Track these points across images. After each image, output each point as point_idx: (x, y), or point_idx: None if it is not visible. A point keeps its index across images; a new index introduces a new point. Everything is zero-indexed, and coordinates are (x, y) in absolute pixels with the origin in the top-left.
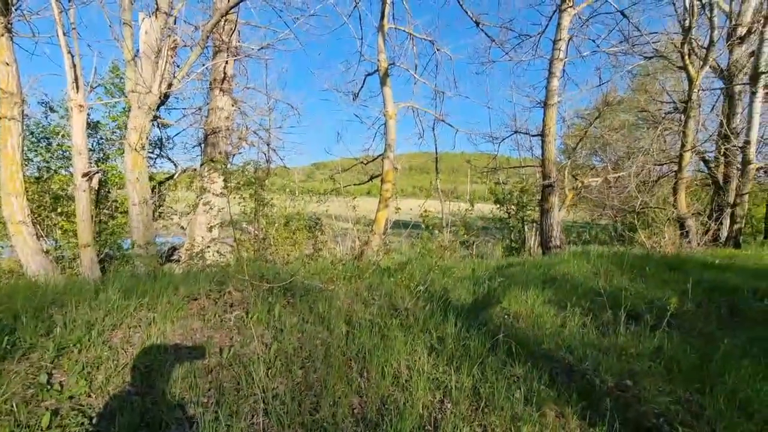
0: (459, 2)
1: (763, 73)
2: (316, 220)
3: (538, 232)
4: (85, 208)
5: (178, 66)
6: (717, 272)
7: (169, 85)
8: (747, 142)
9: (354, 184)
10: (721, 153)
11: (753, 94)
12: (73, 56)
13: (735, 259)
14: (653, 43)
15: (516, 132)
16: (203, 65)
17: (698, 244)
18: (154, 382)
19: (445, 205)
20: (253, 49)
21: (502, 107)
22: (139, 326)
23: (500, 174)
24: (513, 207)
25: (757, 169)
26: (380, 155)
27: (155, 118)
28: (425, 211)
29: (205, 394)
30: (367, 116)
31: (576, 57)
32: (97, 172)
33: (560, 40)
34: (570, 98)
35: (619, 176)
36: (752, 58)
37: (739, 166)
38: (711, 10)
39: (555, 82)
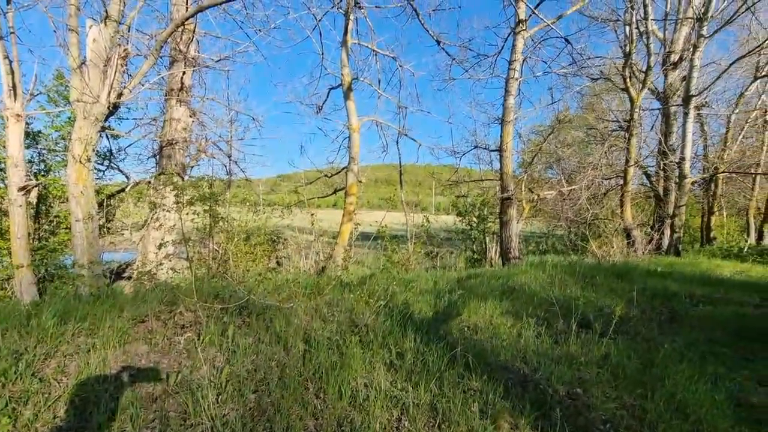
0: (420, 21)
1: (694, 95)
2: (278, 233)
3: (498, 243)
4: (20, 224)
5: (129, 75)
6: (659, 279)
7: (120, 95)
8: (682, 158)
9: (319, 197)
10: (661, 168)
11: (686, 114)
12: (11, 62)
13: (675, 267)
14: (598, 66)
15: (476, 147)
16: (159, 75)
17: (643, 252)
18: (90, 415)
19: (409, 217)
20: (212, 60)
21: (463, 123)
22: (77, 354)
23: (462, 187)
24: (475, 219)
25: (692, 183)
26: (344, 168)
27: (104, 128)
28: (383, 226)
29: (149, 425)
30: (331, 129)
31: (530, 77)
32: (36, 186)
33: (515, 60)
34: (525, 115)
35: (571, 189)
36: (684, 82)
37: (676, 180)
38: (648, 38)
39: (511, 100)
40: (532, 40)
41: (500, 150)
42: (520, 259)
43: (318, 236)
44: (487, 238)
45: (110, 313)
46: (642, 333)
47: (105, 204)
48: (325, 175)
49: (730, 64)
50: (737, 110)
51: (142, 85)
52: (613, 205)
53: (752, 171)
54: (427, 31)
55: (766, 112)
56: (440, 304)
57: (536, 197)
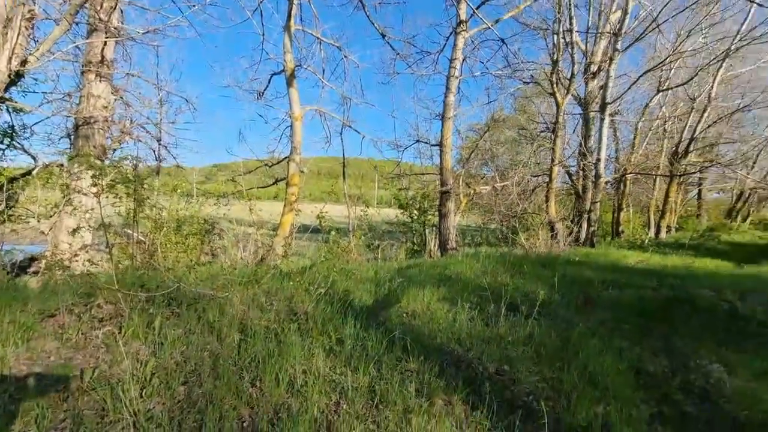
0: (366, 13)
1: (609, 103)
2: (213, 224)
3: (437, 235)
4: None
5: (36, 41)
6: (577, 267)
7: (24, 62)
8: (598, 160)
9: (258, 187)
10: (581, 168)
11: (602, 120)
12: None
13: (590, 256)
14: (530, 70)
15: (418, 141)
16: (74, 44)
17: (564, 244)
18: None
19: (351, 210)
20: (138, 32)
21: (406, 117)
22: None
23: (404, 180)
24: (416, 212)
25: (606, 182)
26: (286, 158)
27: (3, 100)
28: (322, 212)
29: (58, 426)
30: (272, 117)
31: (469, 76)
32: None
33: (456, 59)
34: (464, 113)
35: (504, 185)
36: (601, 90)
37: (593, 179)
38: (572, 48)
39: (451, 98)
40: (472, 41)
41: (440, 145)
42: (457, 250)
43: (258, 227)
44: (427, 231)
45: (11, 308)
46: (561, 315)
47: (5, 188)
48: (266, 165)
49: (638, 77)
50: (643, 119)
51: (53, 54)
52: (540, 201)
53: (653, 173)
54: (373, 23)
55: (665, 121)
56: (380, 292)
57: (472, 191)
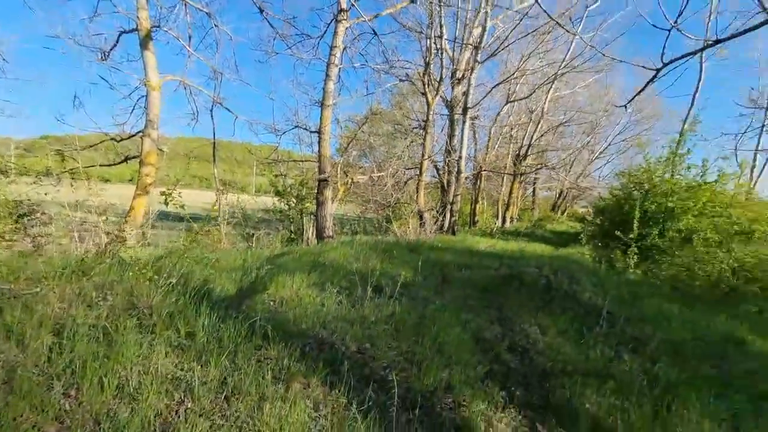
0: None
1: (469, 108)
2: (33, 207)
3: (315, 224)
4: None
5: None
6: (439, 252)
7: None
8: (460, 157)
9: (101, 165)
10: (446, 163)
11: (464, 122)
12: None
13: (451, 243)
14: (406, 68)
15: (297, 126)
16: None
17: (431, 231)
18: None
19: (222, 197)
20: None
21: (285, 101)
22: None
23: (282, 167)
24: (293, 199)
25: (465, 178)
26: (139, 132)
27: None
28: (170, 192)
29: None
30: (121, 83)
31: (349, 66)
32: None
33: (336, 47)
34: (344, 102)
35: (380, 176)
36: (464, 96)
37: (455, 174)
38: (441, 54)
39: (331, 85)
40: (352, 31)
41: (319, 132)
42: (333, 238)
43: (99, 213)
44: (305, 219)
45: None
46: (422, 294)
47: None
48: (113, 140)
49: (492, 87)
50: (495, 124)
51: None
52: (412, 192)
53: (502, 172)
54: None
55: (512, 128)
56: (246, 281)
57: (350, 180)
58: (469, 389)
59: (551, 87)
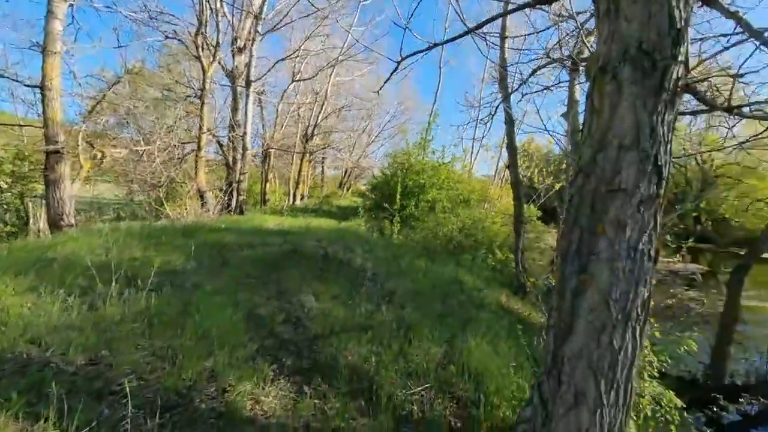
0: None
1: (253, 81)
2: None
3: (46, 210)
4: None
5: None
6: (220, 234)
7: None
8: (245, 133)
9: None
10: (231, 140)
11: (248, 96)
12: None
13: (237, 223)
14: (173, 24)
15: (4, 76)
16: None
17: (215, 212)
18: None
19: None
20: None
21: None
22: None
23: None
24: (6, 179)
25: (253, 155)
26: None
27: None
28: None
29: None
30: None
31: (87, 4)
32: None
33: None
34: (83, 52)
35: (145, 150)
36: (246, 67)
37: (241, 151)
38: (218, 16)
39: (57, 26)
40: None
41: (42, 88)
42: (76, 227)
43: None
44: (31, 203)
45: None
46: (192, 280)
47: None
48: None
49: (275, 63)
50: (282, 101)
51: None
52: (190, 170)
53: (291, 150)
54: None
55: (299, 107)
56: None
57: (100, 154)
58: (235, 372)
59: (333, 71)
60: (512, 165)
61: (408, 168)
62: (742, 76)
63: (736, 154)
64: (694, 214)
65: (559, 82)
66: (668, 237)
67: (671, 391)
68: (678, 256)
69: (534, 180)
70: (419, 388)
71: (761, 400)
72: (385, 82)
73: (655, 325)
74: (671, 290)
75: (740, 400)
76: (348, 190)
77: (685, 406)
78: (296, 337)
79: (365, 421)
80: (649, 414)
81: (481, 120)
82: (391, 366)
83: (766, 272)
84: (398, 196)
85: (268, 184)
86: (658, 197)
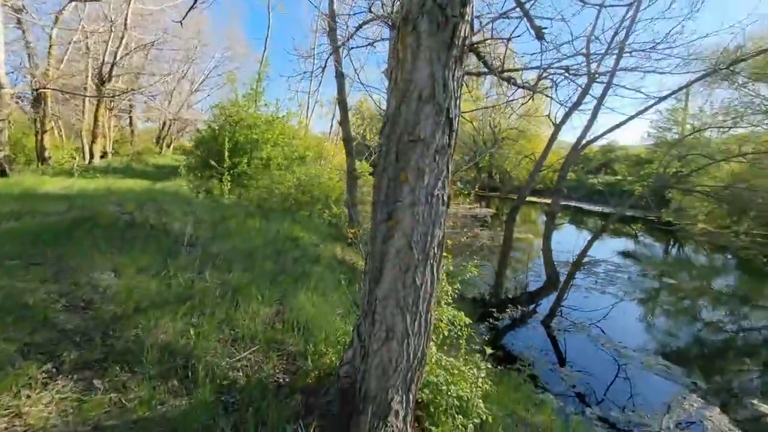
0: None
1: None
2: None
3: None
4: None
5: None
6: None
7: None
8: None
9: None
10: None
11: None
12: None
13: None
14: None
15: None
16: None
17: None
18: None
19: None
20: None
21: None
22: None
23: None
24: None
25: (17, 97)
26: None
27: None
28: None
29: None
30: None
31: None
32: None
33: None
34: None
35: None
36: None
37: None
38: None
39: None
40: None
41: None
42: None
43: None
44: None
45: None
46: None
47: None
48: None
49: None
50: (57, 26)
51: None
52: None
53: (78, 93)
54: None
55: (87, 37)
56: None
57: None
58: None
59: None
60: (344, 121)
61: (238, 122)
62: (510, 40)
63: (517, 121)
64: (485, 168)
65: (382, 39)
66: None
67: (462, 312)
68: (476, 202)
69: (366, 137)
70: (246, 353)
71: (519, 308)
72: (189, 9)
73: (452, 259)
74: (471, 230)
75: (507, 309)
76: (169, 146)
77: (474, 321)
78: (84, 324)
79: (178, 402)
80: (446, 334)
81: (313, 73)
82: (214, 335)
83: (530, 212)
84: (226, 153)
85: (47, 136)
86: (450, 147)
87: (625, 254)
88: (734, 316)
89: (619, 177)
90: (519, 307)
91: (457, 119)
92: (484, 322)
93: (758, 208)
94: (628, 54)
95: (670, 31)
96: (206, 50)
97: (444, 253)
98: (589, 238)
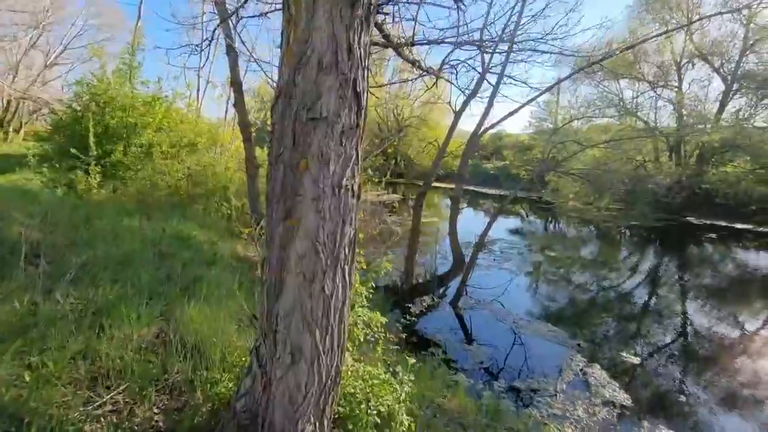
0: None
1: None
2: None
3: None
4: None
5: None
6: None
7: None
8: None
9: None
10: None
11: None
12: None
13: None
14: None
15: None
16: None
17: None
18: None
19: None
20: None
21: None
22: None
23: None
24: None
25: None
26: None
27: None
28: None
29: None
30: None
31: None
32: None
33: None
34: None
35: None
36: None
37: None
38: None
39: None
40: None
41: None
42: None
43: None
44: None
45: None
46: None
47: None
48: None
49: None
50: None
51: None
52: None
53: None
54: None
55: None
56: None
57: None
58: None
59: None
60: (239, 103)
61: (108, 102)
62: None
63: (419, 109)
64: (391, 155)
65: (275, 9)
66: (373, 172)
67: (377, 312)
68: (383, 189)
69: (268, 123)
70: (111, 395)
71: (430, 292)
72: None
73: (363, 250)
74: (380, 217)
75: (419, 295)
76: (18, 131)
77: (389, 311)
78: None
79: None
80: (362, 339)
81: (201, 46)
82: (64, 377)
83: (435, 197)
84: (92, 139)
85: None
86: (359, 128)
87: (515, 232)
88: (597, 278)
89: (507, 162)
90: (430, 291)
91: (365, 95)
92: (398, 309)
93: (614, 188)
94: (517, 47)
95: (555, 26)
96: (64, 15)
97: (357, 250)
98: (487, 219)
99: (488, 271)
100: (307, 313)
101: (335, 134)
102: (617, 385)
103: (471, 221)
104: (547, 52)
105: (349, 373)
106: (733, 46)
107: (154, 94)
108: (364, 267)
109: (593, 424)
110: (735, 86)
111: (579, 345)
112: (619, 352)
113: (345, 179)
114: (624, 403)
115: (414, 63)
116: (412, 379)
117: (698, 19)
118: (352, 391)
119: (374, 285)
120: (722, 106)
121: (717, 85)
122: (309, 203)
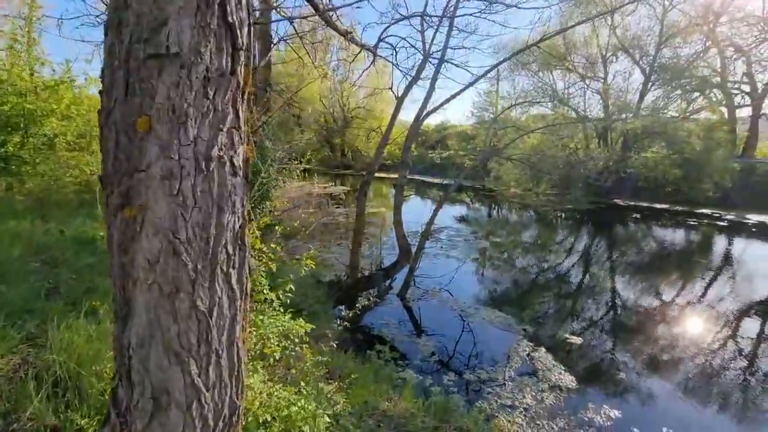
0: None
1: None
2: None
3: None
4: None
5: None
6: None
7: None
8: None
9: None
10: None
11: None
12: None
13: None
14: None
15: None
16: None
17: None
18: None
19: None
20: None
21: None
22: None
23: None
24: None
25: None
26: None
27: None
28: None
29: None
30: None
31: None
32: None
33: None
34: None
35: None
36: None
37: None
38: None
39: None
40: None
41: None
42: None
43: None
44: None
45: None
46: None
47: None
48: None
49: None
50: None
51: None
52: None
53: None
54: None
55: None
56: None
57: None
58: None
59: None
60: None
61: None
62: None
63: (365, 100)
64: (338, 146)
65: None
66: (317, 163)
67: (301, 319)
68: (330, 181)
69: None
70: None
71: (376, 284)
72: None
73: (305, 243)
74: (326, 209)
75: (364, 288)
76: None
77: (332, 307)
78: None
79: None
80: (278, 357)
81: (99, 18)
82: None
83: (382, 187)
84: None
85: None
86: (235, 75)
87: (461, 219)
88: (537, 260)
89: (451, 151)
90: (377, 284)
91: (247, 30)
92: (342, 304)
93: (551, 173)
94: (456, 32)
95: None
96: None
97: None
98: (433, 207)
99: (435, 260)
100: (173, 340)
101: (194, 81)
102: (562, 367)
103: (418, 210)
104: (486, 37)
105: (260, 402)
106: (650, 41)
107: (59, 77)
108: (273, 267)
109: (542, 410)
110: (653, 78)
111: (525, 330)
112: (561, 332)
113: (217, 148)
114: (570, 386)
115: (346, 35)
116: (349, 391)
117: (618, 7)
118: (268, 418)
119: (293, 289)
120: (642, 96)
121: (637, 77)
122: (157, 183)
